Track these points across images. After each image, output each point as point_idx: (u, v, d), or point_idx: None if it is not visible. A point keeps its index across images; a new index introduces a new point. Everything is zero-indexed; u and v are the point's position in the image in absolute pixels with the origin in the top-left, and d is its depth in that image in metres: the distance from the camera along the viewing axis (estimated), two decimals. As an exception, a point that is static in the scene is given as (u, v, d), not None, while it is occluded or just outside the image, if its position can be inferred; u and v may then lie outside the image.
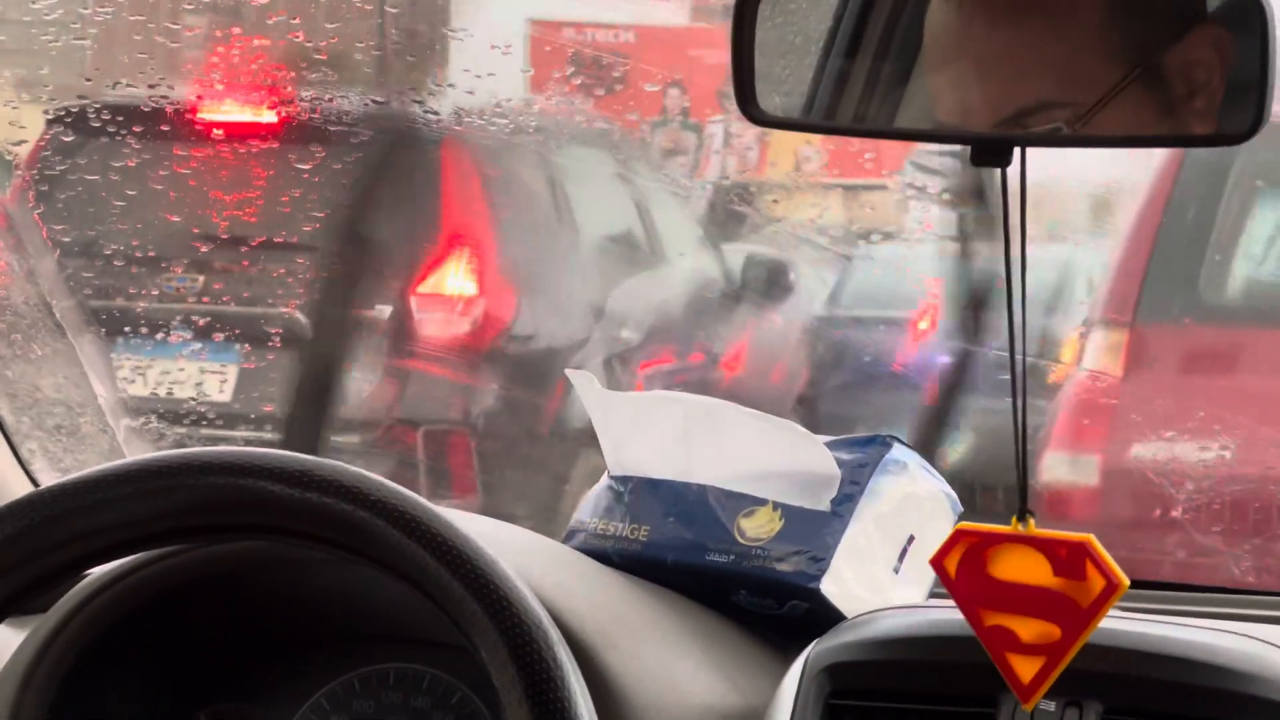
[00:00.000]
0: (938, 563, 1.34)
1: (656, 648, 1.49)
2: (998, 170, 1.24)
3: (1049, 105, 1.24)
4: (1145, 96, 1.24)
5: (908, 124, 1.30)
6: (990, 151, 1.25)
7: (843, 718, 1.43)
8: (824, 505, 1.58)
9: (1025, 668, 1.33)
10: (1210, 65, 1.23)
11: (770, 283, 6.28)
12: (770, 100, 1.30)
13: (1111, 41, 1.24)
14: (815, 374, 6.82)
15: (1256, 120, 1.19)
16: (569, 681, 1.24)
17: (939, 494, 1.62)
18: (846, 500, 1.58)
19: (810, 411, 5.49)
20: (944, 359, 7.70)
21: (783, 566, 1.57)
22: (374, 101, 5.28)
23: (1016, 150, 1.24)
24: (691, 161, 8.87)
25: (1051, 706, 1.38)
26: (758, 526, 1.59)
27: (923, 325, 7.79)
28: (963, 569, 1.33)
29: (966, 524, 1.35)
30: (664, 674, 1.46)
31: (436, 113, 5.21)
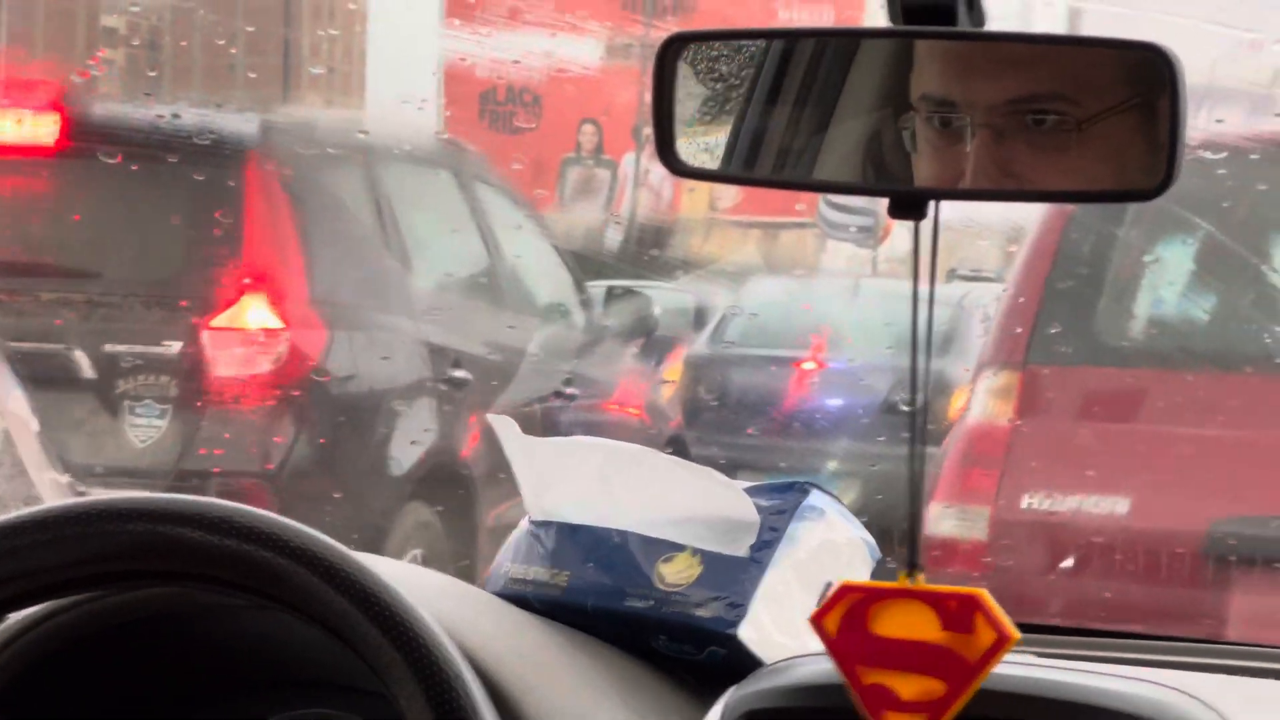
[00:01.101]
0: (817, 620, 1.32)
1: (575, 694, 1.50)
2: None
3: (1058, 97, 1.24)
4: (1138, 127, 1.24)
5: (827, 175, 1.31)
6: (907, 205, 1.27)
7: (761, 764, 1.44)
8: (743, 551, 1.59)
9: None
10: (1111, 132, 1.25)
11: (635, 318, 6.04)
12: (692, 152, 1.32)
13: (1026, 89, 1.25)
14: (690, 413, 6.65)
15: (1169, 176, 1.21)
16: None
17: (857, 541, 1.64)
18: (765, 546, 1.60)
19: (679, 452, 5.30)
20: (831, 400, 7.71)
21: (701, 612, 1.58)
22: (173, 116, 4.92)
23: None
24: (605, 198, 8.85)
25: None
26: (677, 572, 1.60)
27: (808, 365, 7.83)
28: (844, 626, 1.32)
29: (852, 581, 1.34)
30: None
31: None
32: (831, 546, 1.62)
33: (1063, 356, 3.81)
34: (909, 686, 1.30)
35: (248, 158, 4.99)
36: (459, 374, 5.23)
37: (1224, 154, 3.64)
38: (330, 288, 5.11)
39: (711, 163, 1.33)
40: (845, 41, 1.31)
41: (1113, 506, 3.60)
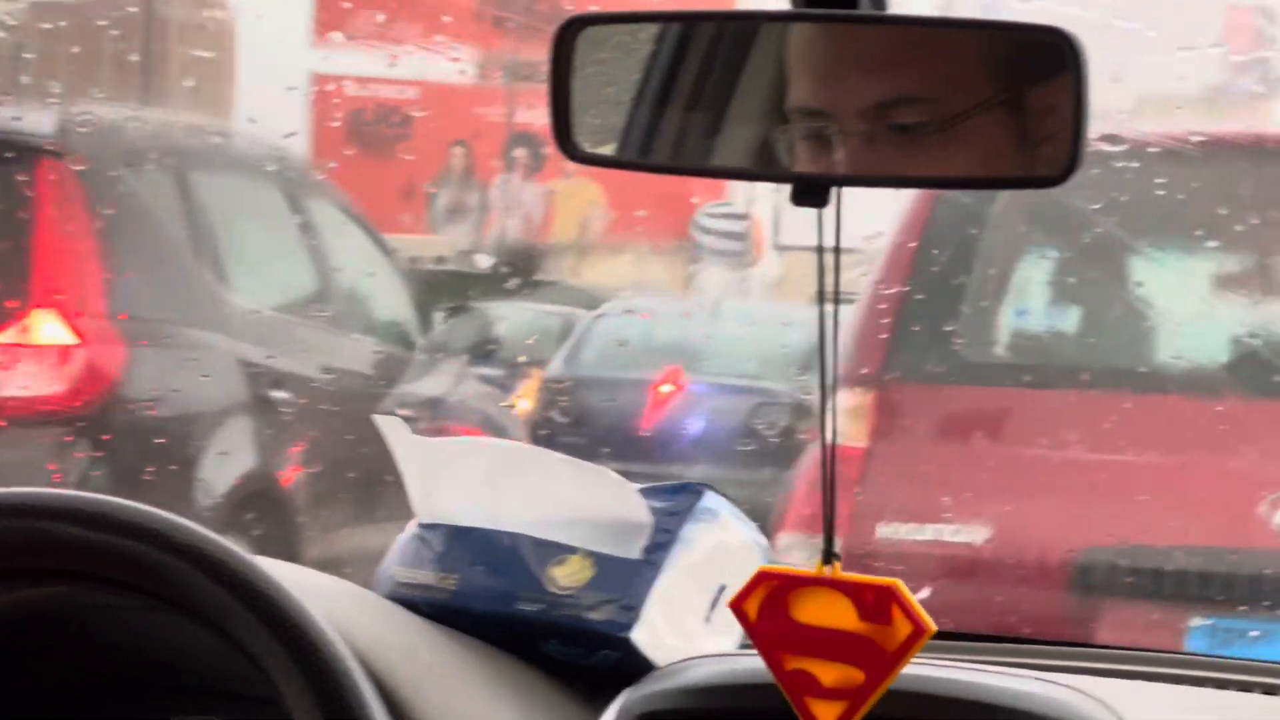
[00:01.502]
0: (737, 606, 1.33)
1: (467, 697, 1.46)
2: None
3: (919, 99, 1.23)
4: (1005, 123, 1.24)
5: (728, 162, 1.29)
6: (809, 191, 1.25)
7: (656, 767, 1.41)
8: (636, 553, 1.57)
9: (826, 712, 1.31)
10: (1013, 117, 1.23)
11: (479, 338, 5.84)
12: (589, 137, 1.29)
13: (987, 59, 1.24)
14: (538, 437, 6.53)
15: (1073, 163, 1.20)
16: None
17: (750, 543, 1.62)
18: (658, 548, 1.57)
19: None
20: (689, 423, 7.69)
21: (594, 615, 1.55)
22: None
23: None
24: (475, 220, 8.83)
25: None
26: (569, 575, 1.57)
27: (666, 388, 7.81)
28: (764, 612, 1.32)
29: (769, 566, 1.33)
30: None
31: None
32: (725, 549, 1.60)
33: (921, 374, 3.62)
34: (830, 673, 1.29)
35: (40, 162, 4.65)
36: (279, 395, 4.98)
37: (1094, 168, 3.57)
38: (135, 302, 4.80)
39: (610, 149, 1.30)
40: (746, 25, 1.29)
41: (972, 535, 3.45)
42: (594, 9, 1.30)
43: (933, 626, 1.29)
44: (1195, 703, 1.66)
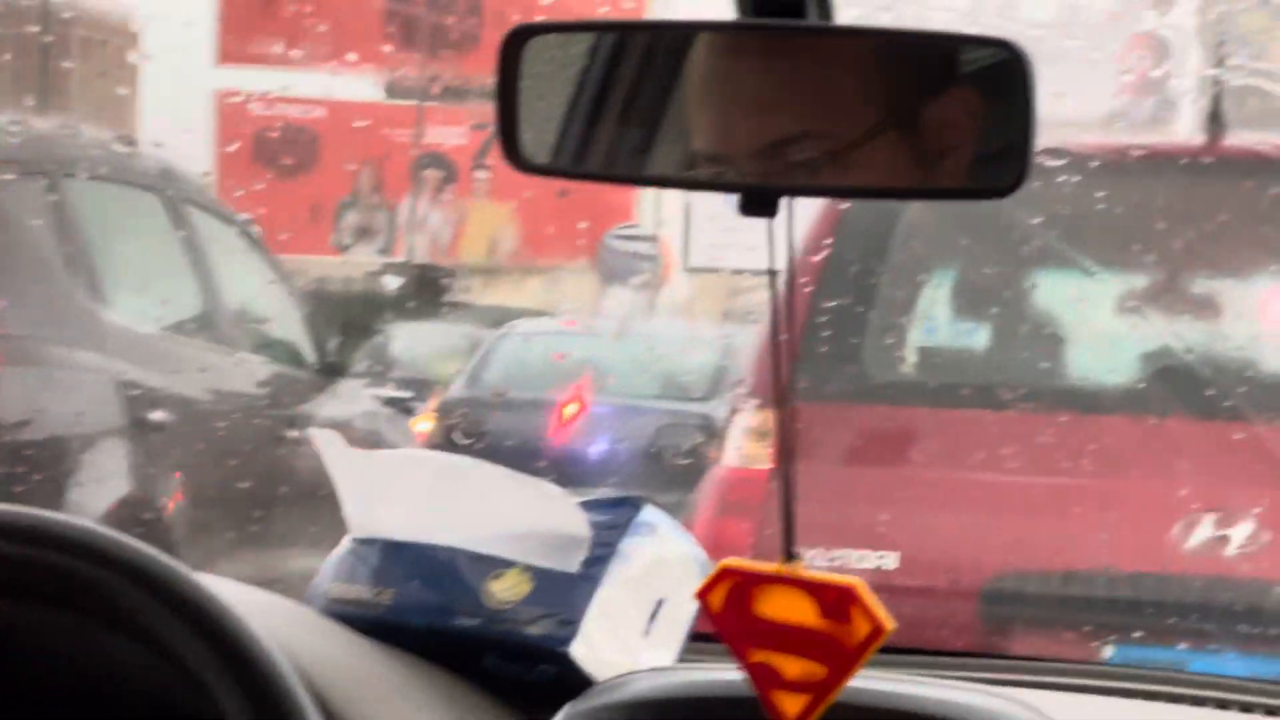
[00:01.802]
0: (703, 596, 1.33)
1: (405, 714, 1.45)
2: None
3: (809, 136, 1.24)
4: (901, 145, 1.25)
5: (679, 172, 1.29)
6: (759, 203, 1.25)
7: (599, 781, 1.40)
8: (574, 567, 1.56)
9: (790, 704, 1.32)
10: (961, 129, 1.24)
11: (375, 360, 5.71)
12: (538, 148, 1.28)
13: (874, 85, 1.25)
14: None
15: (1020, 175, 1.21)
16: None
17: (689, 557, 1.61)
18: (597, 562, 1.56)
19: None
20: (594, 444, 7.66)
21: (532, 630, 1.54)
22: None
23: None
24: (383, 240, 8.80)
25: None
26: (507, 589, 1.56)
27: (570, 410, 7.79)
28: (728, 605, 1.33)
29: (732, 561, 1.33)
30: None
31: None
32: (663, 563, 1.59)
33: (828, 393, 3.48)
34: (793, 667, 1.29)
35: None
36: (157, 417, 4.80)
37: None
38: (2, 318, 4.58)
39: (559, 160, 1.29)
40: (695, 34, 1.29)
41: (881, 561, 3.38)
42: (524, 19, 1.30)
43: (890, 625, 1.29)
44: (1125, 714, 1.67)
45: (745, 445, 3.58)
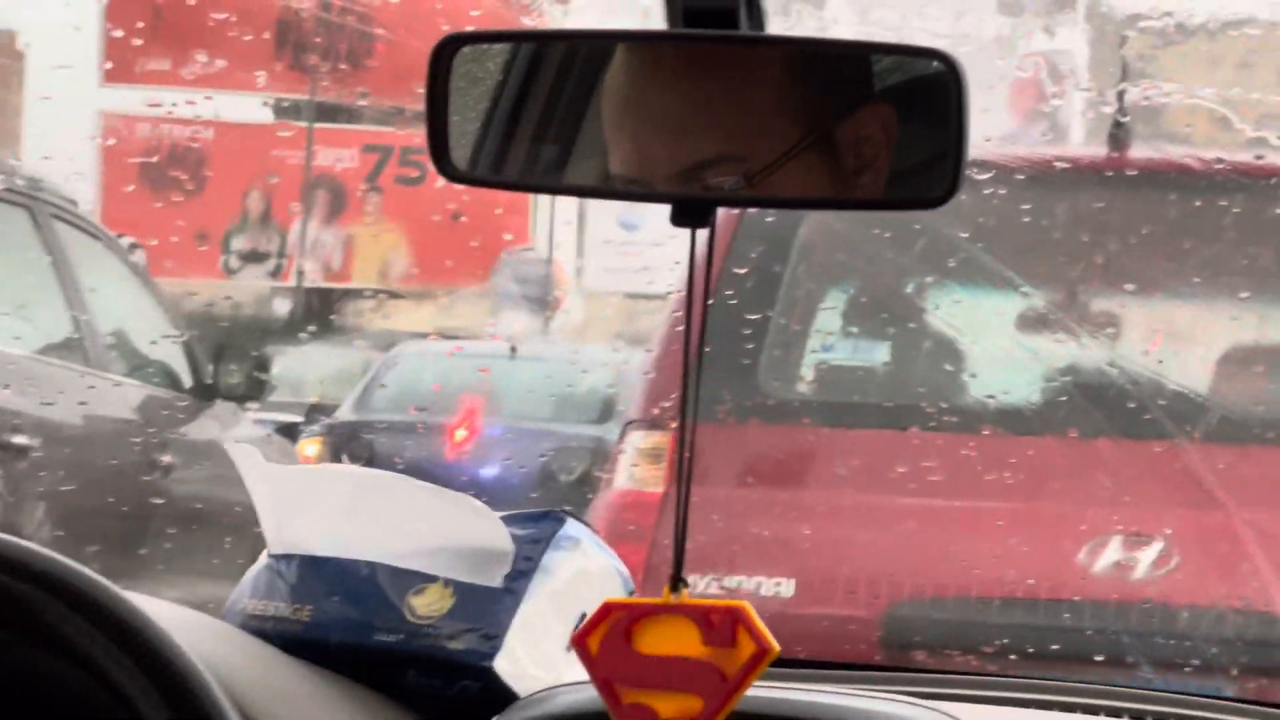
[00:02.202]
0: (580, 641, 1.31)
1: (328, 730, 1.43)
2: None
3: (726, 159, 1.24)
4: (819, 163, 1.25)
5: (608, 182, 1.28)
6: (690, 213, 1.24)
7: (526, 797, 1.39)
8: (497, 581, 1.55)
9: None
10: (877, 143, 1.24)
11: (249, 380, 5.59)
12: (467, 157, 1.27)
13: (789, 104, 1.25)
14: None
15: (952, 186, 1.21)
16: None
17: (611, 570, 1.60)
18: (520, 576, 1.55)
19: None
20: (484, 468, 7.63)
21: (454, 645, 1.53)
22: None
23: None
24: (274, 264, 8.73)
25: None
26: (428, 604, 1.54)
27: (460, 433, 7.75)
28: (606, 646, 1.30)
29: (615, 599, 1.32)
30: None
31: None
32: (586, 576, 1.58)
33: (723, 413, 3.36)
34: (668, 705, 1.28)
35: None
36: (19, 440, 4.69)
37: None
38: None
39: (488, 170, 1.28)
40: (623, 45, 1.28)
41: (776, 589, 3.28)
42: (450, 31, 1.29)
43: (776, 647, 1.28)
44: None
45: (637, 468, 3.50)
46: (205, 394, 5.50)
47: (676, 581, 1.29)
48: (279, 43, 9.07)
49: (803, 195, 1.29)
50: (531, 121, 1.29)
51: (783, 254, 3.48)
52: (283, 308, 8.54)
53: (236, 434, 5.51)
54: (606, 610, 1.31)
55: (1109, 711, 1.74)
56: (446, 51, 1.26)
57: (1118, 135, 3.26)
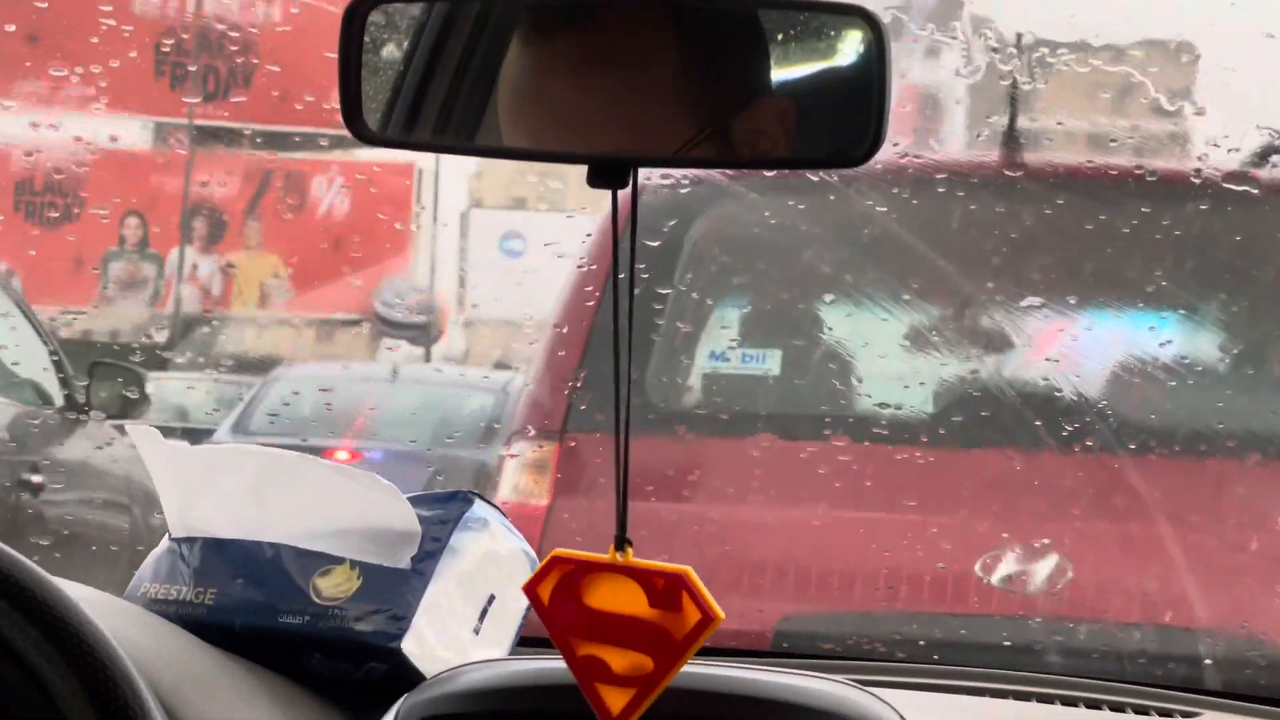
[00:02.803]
0: (531, 589, 1.31)
1: (234, 709, 1.40)
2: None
3: (624, 155, 1.23)
4: (753, 115, 1.24)
5: (522, 143, 1.27)
6: (607, 173, 1.23)
7: (436, 773, 1.37)
8: (404, 563, 1.52)
9: (615, 699, 1.30)
10: (774, 138, 1.24)
11: (122, 400, 5.50)
12: (379, 119, 1.26)
13: (684, 101, 1.24)
14: None
15: (874, 144, 1.21)
16: None
17: (519, 552, 1.59)
18: (427, 558, 1.53)
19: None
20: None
21: (361, 626, 1.51)
22: None
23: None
24: (151, 292, 8.61)
25: None
26: (334, 586, 1.52)
27: (341, 455, 7.69)
28: (556, 597, 1.31)
29: (562, 551, 1.31)
30: None
31: None
32: (494, 558, 1.56)
33: (610, 424, 3.37)
34: (620, 660, 1.28)
35: None
36: None
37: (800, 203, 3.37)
38: None
39: (401, 131, 1.27)
40: (534, 5, 1.27)
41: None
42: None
43: (720, 614, 1.28)
44: (973, 707, 1.68)
45: (521, 481, 3.44)
46: (76, 410, 5.42)
47: (621, 541, 1.29)
48: (157, 68, 8.98)
49: (722, 156, 1.28)
50: (443, 83, 1.27)
51: (669, 264, 3.45)
52: (160, 333, 8.44)
53: (104, 456, 5.43)
54: (554, 563, 1.30)
55: (1064, 700, 1.75)
56: (359, 13, 1.25)
57: (1011, 140, 3.27)
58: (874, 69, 1.20)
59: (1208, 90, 3.53)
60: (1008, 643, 2.97)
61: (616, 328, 1.26)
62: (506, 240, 10.27)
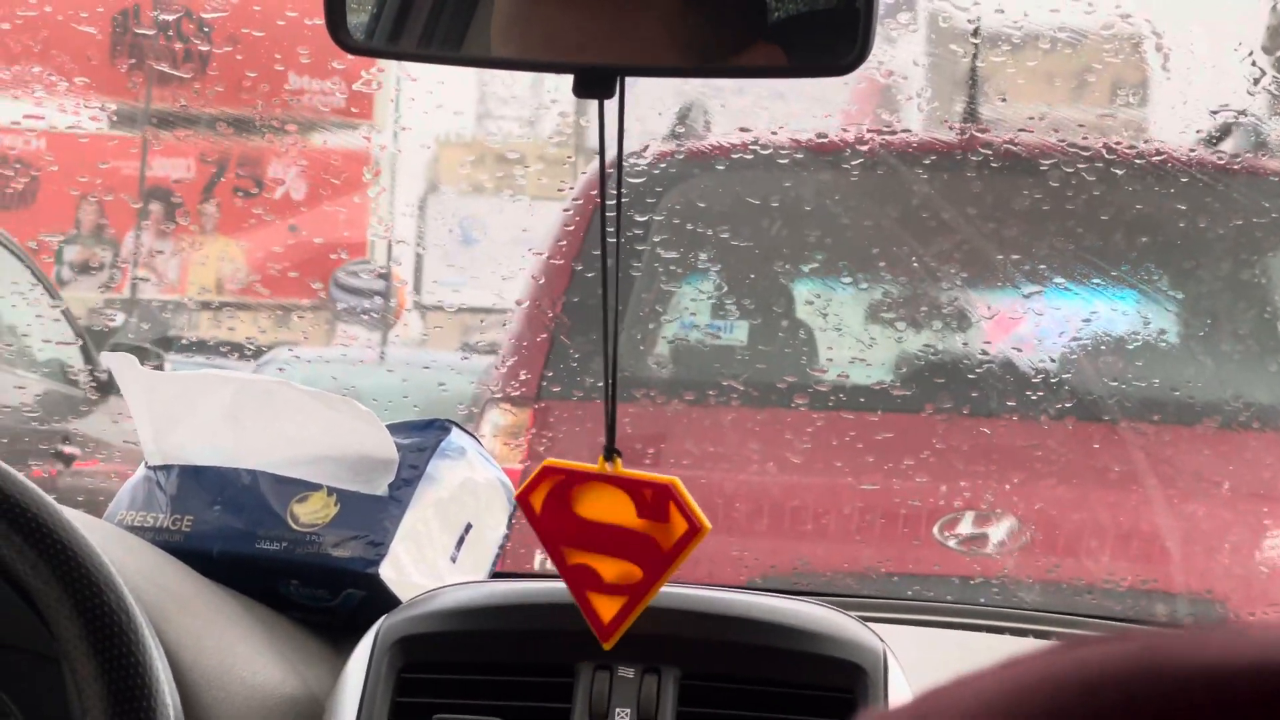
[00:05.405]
0: (524, 498, 1.33)
1: (215, 627, 1.40)
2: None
3: (644, 14, 1.23)
4: (740, 23, 1.24)
5: (507, 52, 1.26)
6: (594, 82, 1.23)
7: (416, 691, 1.37)
8: (381, 490, 1.52)
9: (606, 607, 1.31)
10: (800, 4, 1.24)
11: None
12: (362, 27, 1.25)
13: (679, 38, 1.24)
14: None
15: (861, 52, 1.21)
16: (149, 651, 1.16)
17: (495, 482, 1.59)
18: (405, 485, 1.53)
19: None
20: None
21: (339, 552, 1.50)
22: None
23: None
24: (108, 277, 8.56)
25: (630, 674, 1.36)
26: (312, 512, 1.52)
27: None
28: (548, 506, 1.31)
29: (553, 461, 1.32)
30: (224, 652, 1.37)
31: None
32: (472, 486, 1.56)
33: (585, 389, 3.33)
34: (610, 569, 1.28)
35: None
36: None
37: (762, 174, 3.36)
38: None
39: (385, 41, 1.27)
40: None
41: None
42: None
43: (707, 525, 1.29)
44: (959, 640, 1.68)
45: (495, 445, 3.40)
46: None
47: (610, 452, 1.30)
48: (113, 51, 8.93)
49: (711, 66, 1.28)
50: None
51: (639, 234, 3.44)
52: (117, 319, 8.38)
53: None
54: (546, 473, 1.32)
55: (1036, 634, 1.76)
56: (341, -79, 1.24)
57: (970, 114, 3.28)
58: None
59: (1160, 73, 3.53)
60: (964, 603, 2.99)
61: (604, 244, 1.26)
62: (465, 224, 10.26)
